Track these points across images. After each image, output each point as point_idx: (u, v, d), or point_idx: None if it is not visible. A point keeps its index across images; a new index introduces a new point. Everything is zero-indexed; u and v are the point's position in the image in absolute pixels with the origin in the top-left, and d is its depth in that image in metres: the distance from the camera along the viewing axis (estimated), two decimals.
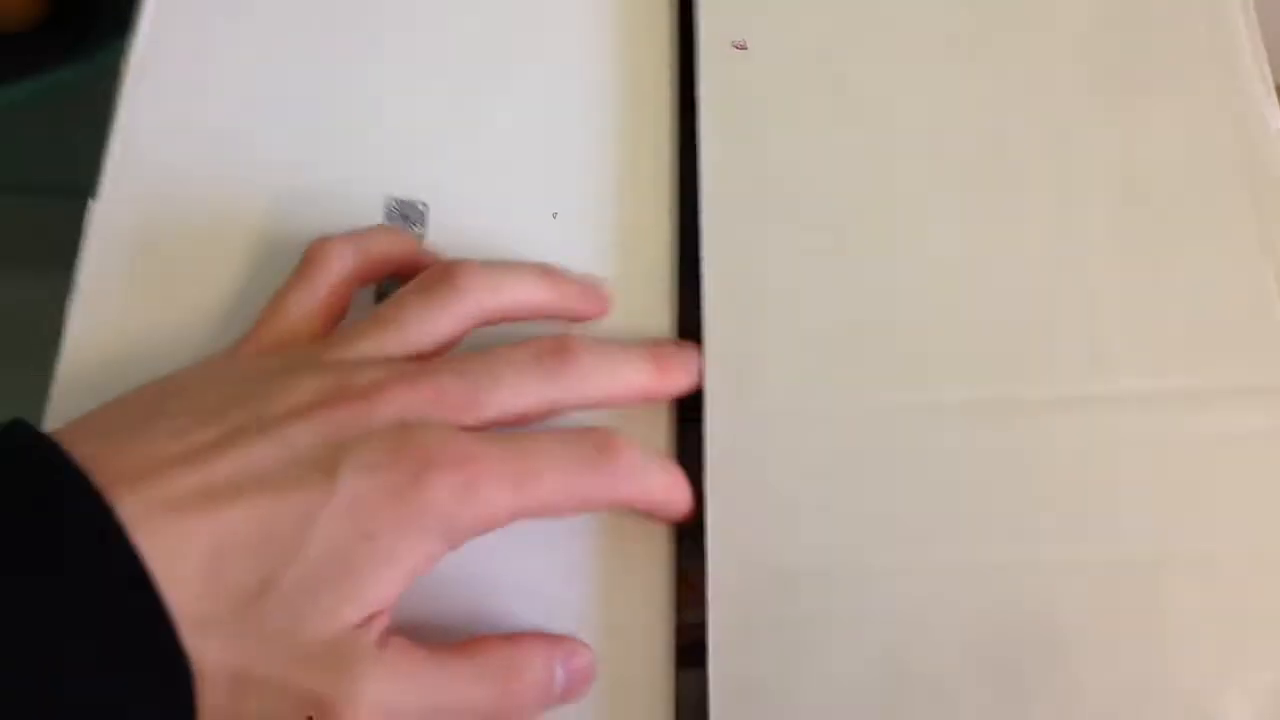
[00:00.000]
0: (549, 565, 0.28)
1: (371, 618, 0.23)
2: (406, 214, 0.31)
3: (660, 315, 0.31)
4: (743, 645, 0.26)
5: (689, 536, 0.28)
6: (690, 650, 0.27)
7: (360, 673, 0.23)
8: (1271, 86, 0.31)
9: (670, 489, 0.27)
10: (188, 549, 0.22)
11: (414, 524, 0.24)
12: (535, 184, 0.32)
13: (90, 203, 0.30)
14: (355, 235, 0.29)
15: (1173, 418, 0.28)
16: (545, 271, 0.29)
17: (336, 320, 0.28)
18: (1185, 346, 0.29)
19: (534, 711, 0.26)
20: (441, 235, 0.31)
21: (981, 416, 0.28)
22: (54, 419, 0.27)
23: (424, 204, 0.31)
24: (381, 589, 0.23)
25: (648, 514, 0.28)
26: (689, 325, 0.31)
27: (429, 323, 0.27)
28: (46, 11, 0.51)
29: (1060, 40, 0.32)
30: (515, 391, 0.26)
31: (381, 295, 0.30)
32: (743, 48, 0.32)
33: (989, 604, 0.26)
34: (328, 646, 0.23)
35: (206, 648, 0.22)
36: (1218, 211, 0.30)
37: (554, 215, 0.32)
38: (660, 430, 0.29)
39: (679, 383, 0.29)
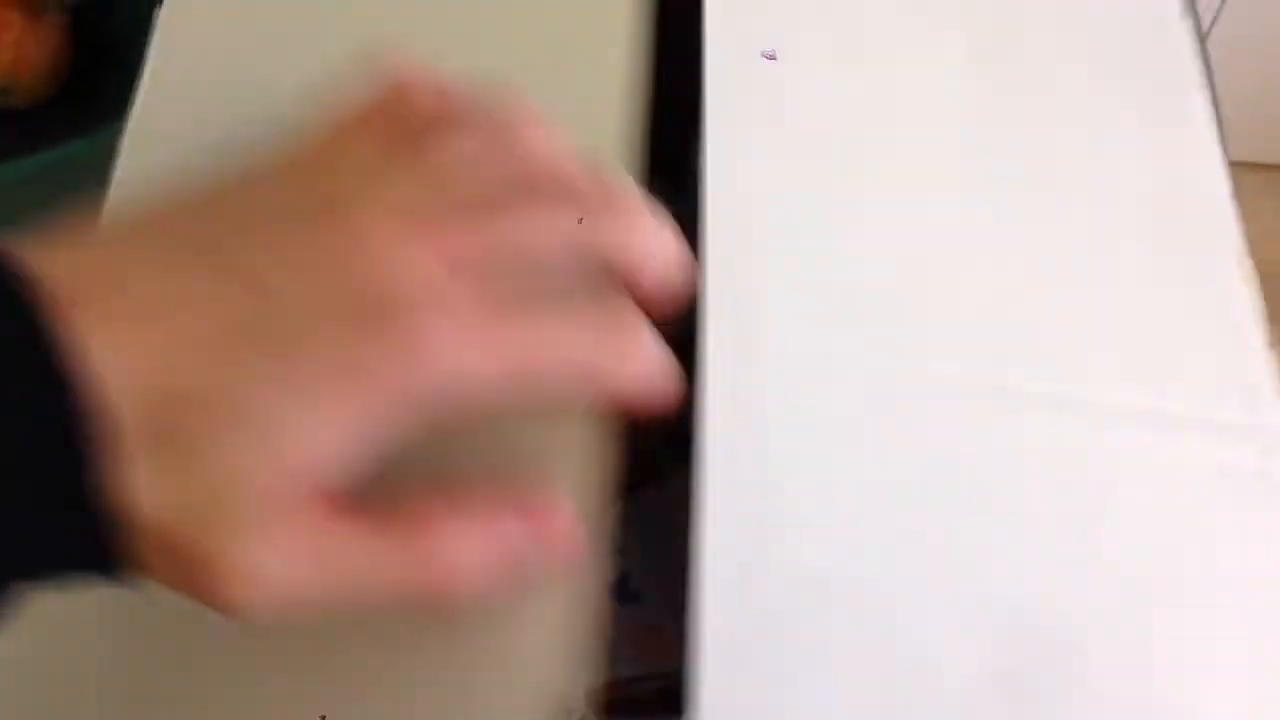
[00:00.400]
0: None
1: (296, 475, 0.20)
2: None
3: None
4: (737, 662, 0.26)
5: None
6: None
7: (252, 536, 0.20)
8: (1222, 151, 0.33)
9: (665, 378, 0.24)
10: (131, 359, 0.20)
11: (351, 378, 0.20)
12: None
13: None
14: None
15: (1159, 439, 0.29)
16: None
17: None
18: (1170, 371, 0.29)
19: (472, 591, 0.22)
20: None
21: (974, 402, 0.29)
22: None
23: None
24: (305, 443, 0.20)
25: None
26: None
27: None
28: (57, 88, 0.53)
29: (1063, 73, 0.34)
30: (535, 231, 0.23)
31: None
32: (772, 58, 0.34)
33: (988, 618, 0.27)
34: (233, 500, 0.20)
35: (135, 489, 0.19)
36: (1200, 259, 0.31)
37: None
38: None
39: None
